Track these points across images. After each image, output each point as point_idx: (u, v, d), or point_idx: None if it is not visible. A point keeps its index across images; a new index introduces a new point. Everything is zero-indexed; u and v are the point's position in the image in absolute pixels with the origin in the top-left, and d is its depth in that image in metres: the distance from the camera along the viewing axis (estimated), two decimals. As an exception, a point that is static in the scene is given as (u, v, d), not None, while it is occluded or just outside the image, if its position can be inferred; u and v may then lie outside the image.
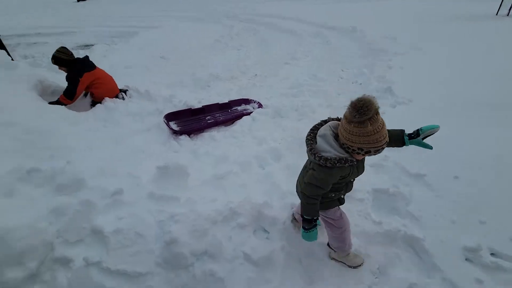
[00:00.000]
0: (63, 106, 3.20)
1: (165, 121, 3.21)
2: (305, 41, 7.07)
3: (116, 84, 3.73)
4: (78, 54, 3.57)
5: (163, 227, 1.56)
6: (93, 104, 3.56)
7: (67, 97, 3.28)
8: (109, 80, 3.65)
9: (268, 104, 3.73)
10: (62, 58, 3.32)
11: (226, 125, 3.39)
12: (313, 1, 13.93)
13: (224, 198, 2.04)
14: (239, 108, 3.75)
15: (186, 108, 3.55)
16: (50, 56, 3.37)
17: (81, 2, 16.52)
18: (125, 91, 3.84)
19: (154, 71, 4.95)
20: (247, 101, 3.83)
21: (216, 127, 3.33)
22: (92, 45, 6.30)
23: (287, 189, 2.12)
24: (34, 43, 7.50)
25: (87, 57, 3.55)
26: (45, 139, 2.16)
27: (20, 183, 1.59)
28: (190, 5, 13.84)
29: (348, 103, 1.10)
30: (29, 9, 13.31)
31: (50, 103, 3.20)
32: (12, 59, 3.70)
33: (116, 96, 3.68)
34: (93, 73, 3.43)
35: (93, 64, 3.53)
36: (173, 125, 3.26)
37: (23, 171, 1.63)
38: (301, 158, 2.61)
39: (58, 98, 3.29)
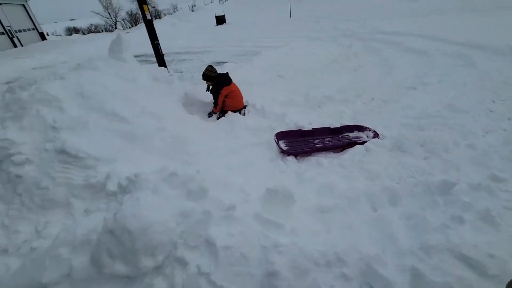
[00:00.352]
0: (197, 117, 3.93)
1: (276, 139, 3.33)
2: (439, 63, 6.01)
3: (242, 100, 4.25)
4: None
5: (267, 254, 1.56)
6: (221, 112, 4.18)
7: (215, 106, 4.16)
8: (239, 95, 4.20)
9: (385, 135, 3.32)
10: (209, 75, 4.11)
11: (335, 152, 3.22)
12: (452, 14, 11.84)
13: (328, 236, 1.89)
14: (351, 134, 3.51)
15: (297, 128, 3.59)
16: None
17: (219, 26, 19.77)
18: (245, 107, 4.29)
19: (271, 89, 5.26)
20: (361, 128, 3.53)
21: (324, 153, 3.21)
22: (224, 62, 7.34)
23: (408, 246, 1.75)
24: (183, 59, 9.45)
25: (227, 73, 4.22)
26: (183, 144, 2.65)
27: (163, 183, 1.97)
28: (313, 24, 14.27)
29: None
30: (182, 34, 16.93)
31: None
32: (169, 75, 4.77)
33: (239, 111, 4.17)
34: (228, 87, 4.06)
35: (230, 79, 4.16)
36: (282, 144, 3.34)
37: (166, 173, 2.03)
38: (427, 208, 2.15)
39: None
